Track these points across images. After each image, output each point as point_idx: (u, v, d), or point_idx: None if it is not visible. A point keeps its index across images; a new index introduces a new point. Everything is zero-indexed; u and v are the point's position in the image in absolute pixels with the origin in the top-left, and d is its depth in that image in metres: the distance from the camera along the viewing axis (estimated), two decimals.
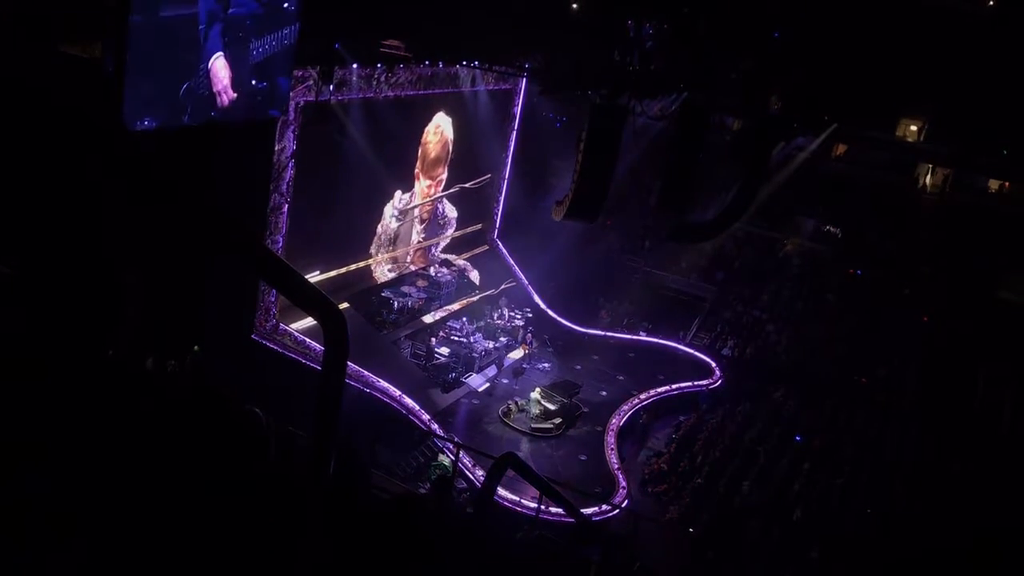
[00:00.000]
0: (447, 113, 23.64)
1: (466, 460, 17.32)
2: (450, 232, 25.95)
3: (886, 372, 25.50)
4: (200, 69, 12.63)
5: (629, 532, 16.25)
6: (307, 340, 18.39)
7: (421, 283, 23.74)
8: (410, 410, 18.42)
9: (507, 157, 27.26)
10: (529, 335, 24.02)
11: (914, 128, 30.64)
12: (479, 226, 27.35)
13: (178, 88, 12.35)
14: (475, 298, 25.04)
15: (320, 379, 2.65)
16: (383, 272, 23.10)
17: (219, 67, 12.94)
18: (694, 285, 30.49)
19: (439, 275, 24.47)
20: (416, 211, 23.93)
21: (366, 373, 18.35)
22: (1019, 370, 24.07)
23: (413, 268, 24.36)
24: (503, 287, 26.12)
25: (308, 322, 18.41)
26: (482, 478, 14.38)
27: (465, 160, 25.18)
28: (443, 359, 21.47)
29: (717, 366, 24.64)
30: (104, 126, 2.15)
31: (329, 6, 15.33)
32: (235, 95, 13.44)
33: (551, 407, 20.54)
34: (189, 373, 14.11)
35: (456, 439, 17.79)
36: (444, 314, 23.47)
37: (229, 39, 12.89)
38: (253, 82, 13.84)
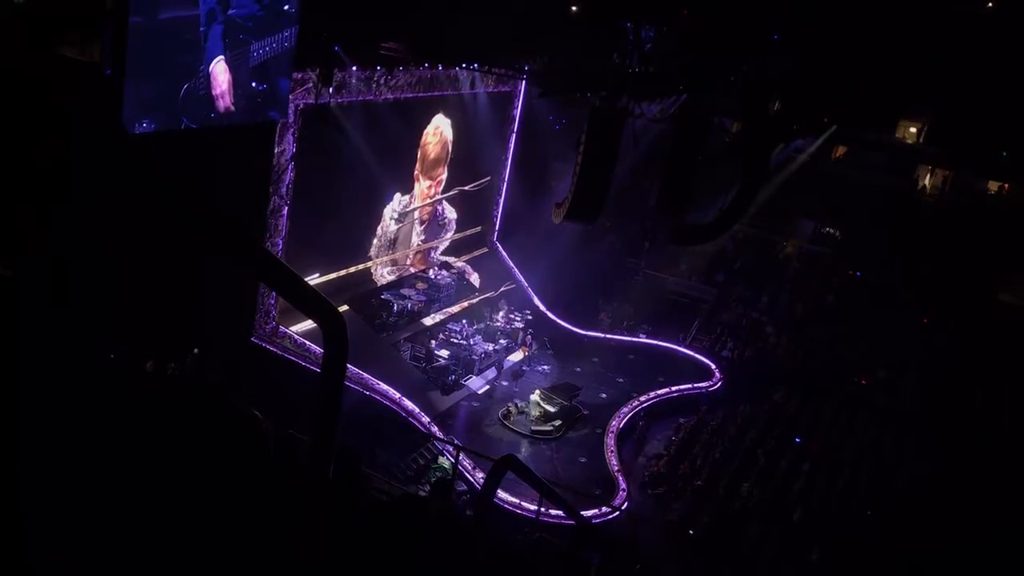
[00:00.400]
0: (446, 114, 23.66)
1: (466, 462, 17.31)
2: (450, 234, 25.95)
3: (886, 374, 25.50)
4: (200, 71, 12.63)
5: (629, 534, 16.25)
6: (307, 343, 18.38)
7: (421, 285, 23.74)
8: (410, 412, 18.41)
9: (507, 159, 27.27)
10: (529, 337, 24.00)
11: (913, 130, 30.66)
12: (479, 228, 27.36)
13: (178, 90, 12.36)
14: (475, 300, 25.04)
15: (320, 381, 2.65)
16: (383, 274, 23.10)
17: (219, 71, 12.95)
18: (694, 287, 30.48)
19: (439, 277, 24.47)
20: (416, 213, 23.94)
21: (366, 375, 18.35)
22: (1019, 371, 24.08)
23: (413, 270, 24.37)
24: (503, 289, 26.12)
25: (308, 324, 18.41)
26: (482, 480, 14.38)
27: (465, 162, 25.19)
28: (443, 361, 21.47)
29: (717, 368, 24.62)
30: (103, 129, 2.15)
31: (328, 8, 15.34)
32: (235, 98, 13.46)
33: (551, 409, 20.53)
34: (189, 376, 14.10)
35: (456, 441, 17.78)
36: (444, 316, 23.47)
37: (229, 41, 12.90)
38: (253, 84, 13.85)
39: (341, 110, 18.63)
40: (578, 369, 24.04)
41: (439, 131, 23.73)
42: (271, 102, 14.67)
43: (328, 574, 3.05)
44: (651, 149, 23.12)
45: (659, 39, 18.18)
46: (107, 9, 10.80)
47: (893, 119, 30.17)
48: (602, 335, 26.38)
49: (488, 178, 26.67)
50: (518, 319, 25.05)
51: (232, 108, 13.45)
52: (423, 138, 23.25)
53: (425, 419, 18.53)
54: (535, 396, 20.82)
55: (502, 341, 23.65)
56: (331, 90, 16.98)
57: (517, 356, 23.63)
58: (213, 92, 13.00)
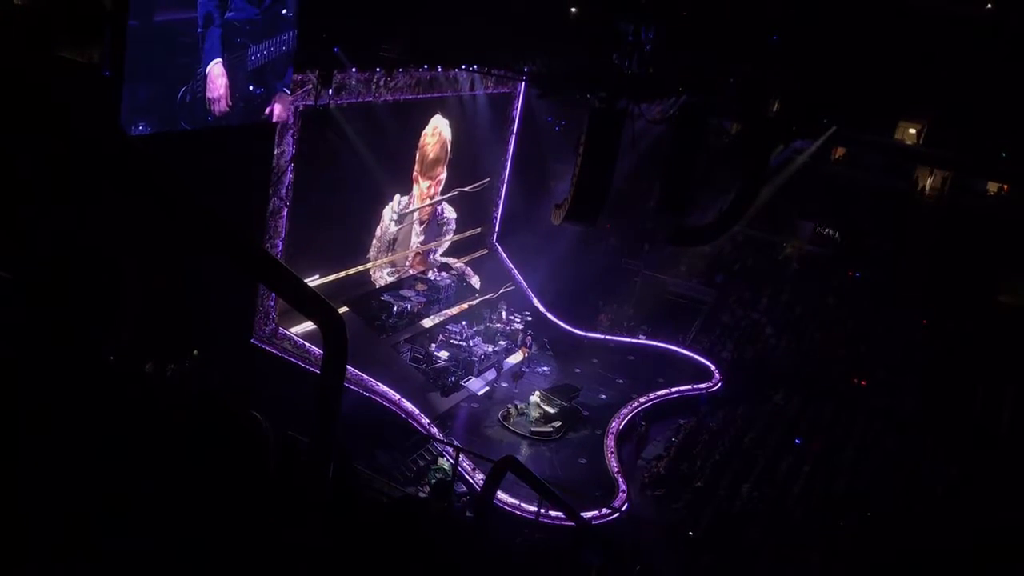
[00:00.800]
0: (444, 114, 23.67)
1: (466, 464, 17.30)
2: (449, 235, 25.95)
3: (886, 375, 25.49)
4: (198, 74, 12.62)
5: (629, 536, 16.26)
6: (307, 344, 18.37)
7: (420, 287, 23.73)
8: (410, 414, 18.40)
9: (506, 160, 27.27)
10: (528, 338, 23.99)
11: (913, 131, 30.66)
12: (478, 229, 27.35)
13: (175, 93, 12.34)
14: (474, 302, 25.02)
15: (319, 383, 2.64)
16: (382, 276, 23.09)
17: (216, 74, 12.94)
18: (693, 288, 30.46)
19: (438, 279, 24.46)
20: (415, 213, 23.95)
21: (366, 377, 18.34)
22: (1019, 372, 24.07)
23: (412, 272, 24.36)
24: (502, 290, 26.10)
25: (308, 326, 18.38)
26: (482, 482, 14.36)
27: (464, 164, 25.19)
28: (442, 363, 21.45)
29: (717, 369, 24.62)
30: (102, 130, 2.14)
31: (328, 10, 15.34)
32: (232, 102, 13.45)
33: (551, 410, 20.52)
34: (188, 377, 14.09)
35: (455, 443, 17.76)
36: (443, 318, 23.46)
37: (227, 45, 12.89)
38: (250, 87, 13.84)
39: (340, 111, 18.64)
40: (578, 370, 24.03)
41: (437, 131, 23.73)
42: (268, 106, 14.66)
43: (328, 575, 3.04)
44: (651, 150, 23.13)
45: (659, 40, 18.19)
46: (107, 11, 10.80)
47: (892, 120, 30.17)
48: (602, 336, 26.37)
49: (488, 179, 26.67)
50: (518, 320, 25.04)
51: (231, 105, 13.43)
52: (421, 139, 23.26)
53: (425, 420, 18.52)
54: (535, 397, 20.82)
55: (502, 342, 23.64)
56: (331, 92, 16.98)
57: (517, 357, 23.62)
58: (209, 96, 12.98)
